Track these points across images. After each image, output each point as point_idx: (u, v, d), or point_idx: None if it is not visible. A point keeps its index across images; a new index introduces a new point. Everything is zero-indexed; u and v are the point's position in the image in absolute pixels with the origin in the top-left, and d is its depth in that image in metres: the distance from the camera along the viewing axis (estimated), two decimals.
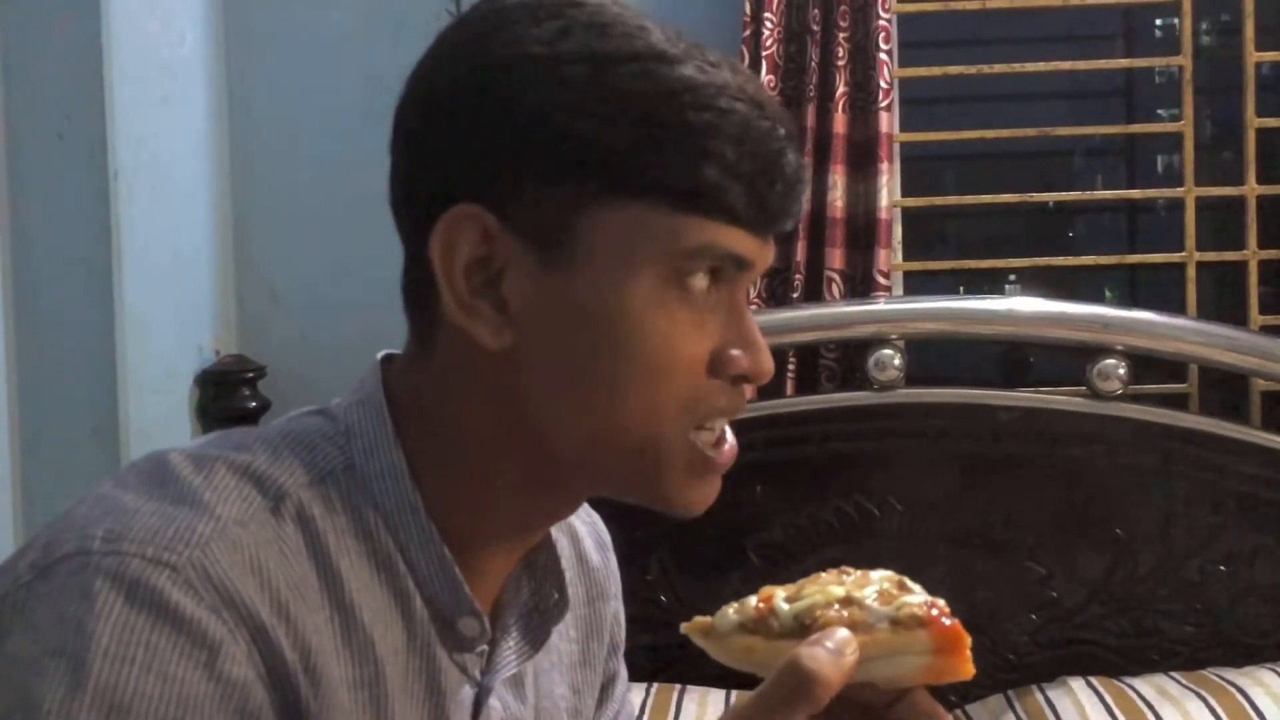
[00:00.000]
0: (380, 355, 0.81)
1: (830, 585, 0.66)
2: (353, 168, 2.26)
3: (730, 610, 0.68)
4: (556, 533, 0.86)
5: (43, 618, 0.67)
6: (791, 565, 2.02)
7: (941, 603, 0.66)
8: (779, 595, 0.67)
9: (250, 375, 2.18)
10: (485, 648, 0.81)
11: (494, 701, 0.83)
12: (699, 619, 0.70)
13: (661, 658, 1.92)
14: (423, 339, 0.78)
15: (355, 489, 0.76)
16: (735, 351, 0.76)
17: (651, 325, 0.73)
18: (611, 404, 0.74)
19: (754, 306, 2.04)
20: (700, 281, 0.74)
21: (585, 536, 0.96)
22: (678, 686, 1.90)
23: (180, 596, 0.67)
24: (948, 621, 0.64)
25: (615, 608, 0.98)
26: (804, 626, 0.64)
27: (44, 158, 1.96)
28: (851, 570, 0.71)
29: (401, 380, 0.79)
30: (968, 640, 0.64)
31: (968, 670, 0.64)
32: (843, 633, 0.65)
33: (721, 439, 0.78)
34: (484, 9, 0.77)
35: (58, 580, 0.68)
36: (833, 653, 0.64)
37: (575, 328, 0.74)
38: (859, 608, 0.65)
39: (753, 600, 0.67)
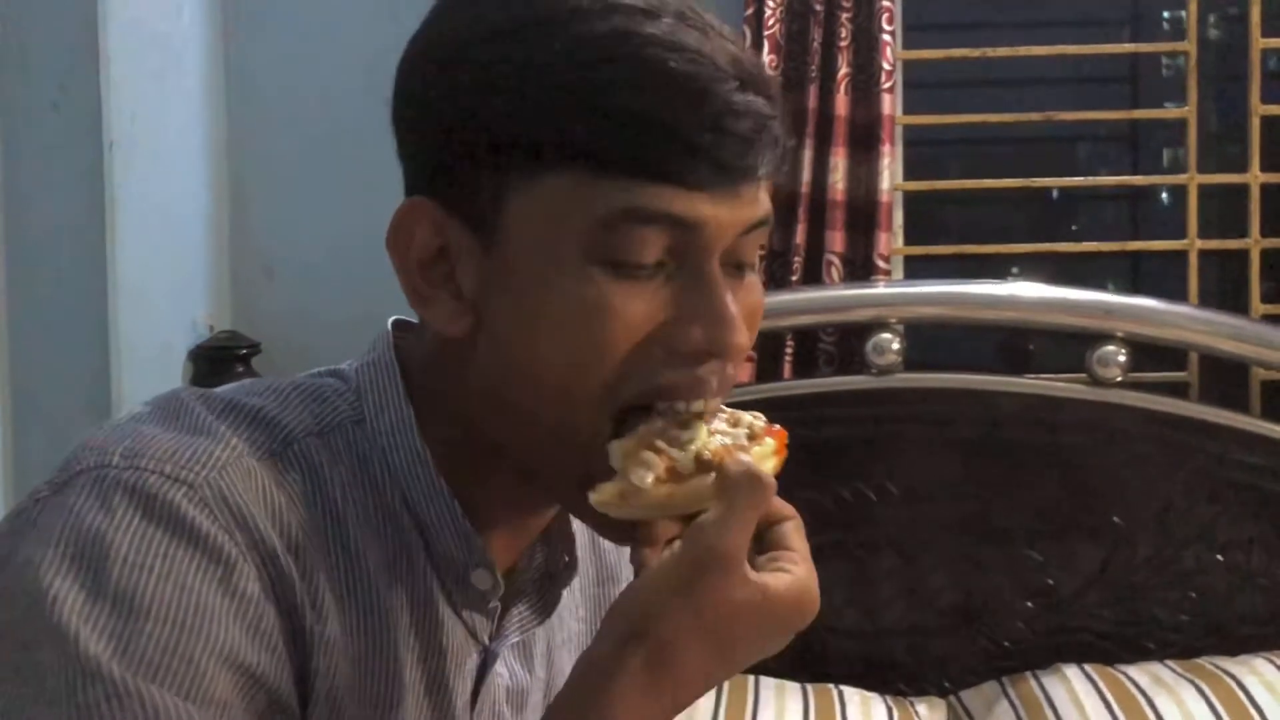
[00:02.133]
0: (391, 320, 0.81)
1: (699, 429, 0.73)
2: (350, 143, 2.24)
3: (636, 473, 0.70)
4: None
5: (60, 527, 0.68)
6: None
7: (762, 416, 0.76)
8: (664, 447, 0.72)
9: (244, 351, 2.17)
10: (497, 605, 0.80)
11: (500, 668, 0.82)
12: (605, 486, 0.71)
13: None
14: None
15: (363, 441, 0.76)
16: (690, 324, 0.71)
17: (576, 302, 0.70)
18: (535, 383, 0.72)
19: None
20: (639, 253, 0.70)
21: None
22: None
23: (196, 513, 0.68)
24: (775, 427, 0.75)
25: None
26: (704, 463, 0.71)
27: (38, 129, 1.95)
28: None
29: (412, 345, 0.79)
30: (786, 435, 0.76)
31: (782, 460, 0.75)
32: (741, 455, 0.72)
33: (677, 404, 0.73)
34: None
35: (75, 492, 0.69)
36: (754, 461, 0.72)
37: (512, 312, 0.72)
38: (723, 435, 0.74)
39: (643, 463, 0.71)
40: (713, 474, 0.71)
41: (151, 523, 0.68)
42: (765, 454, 0.74)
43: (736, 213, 0.72)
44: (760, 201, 0.73)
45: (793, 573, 0.72)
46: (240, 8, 2.29)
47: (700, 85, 0.69)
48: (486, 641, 0.81)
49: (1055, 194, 2.34)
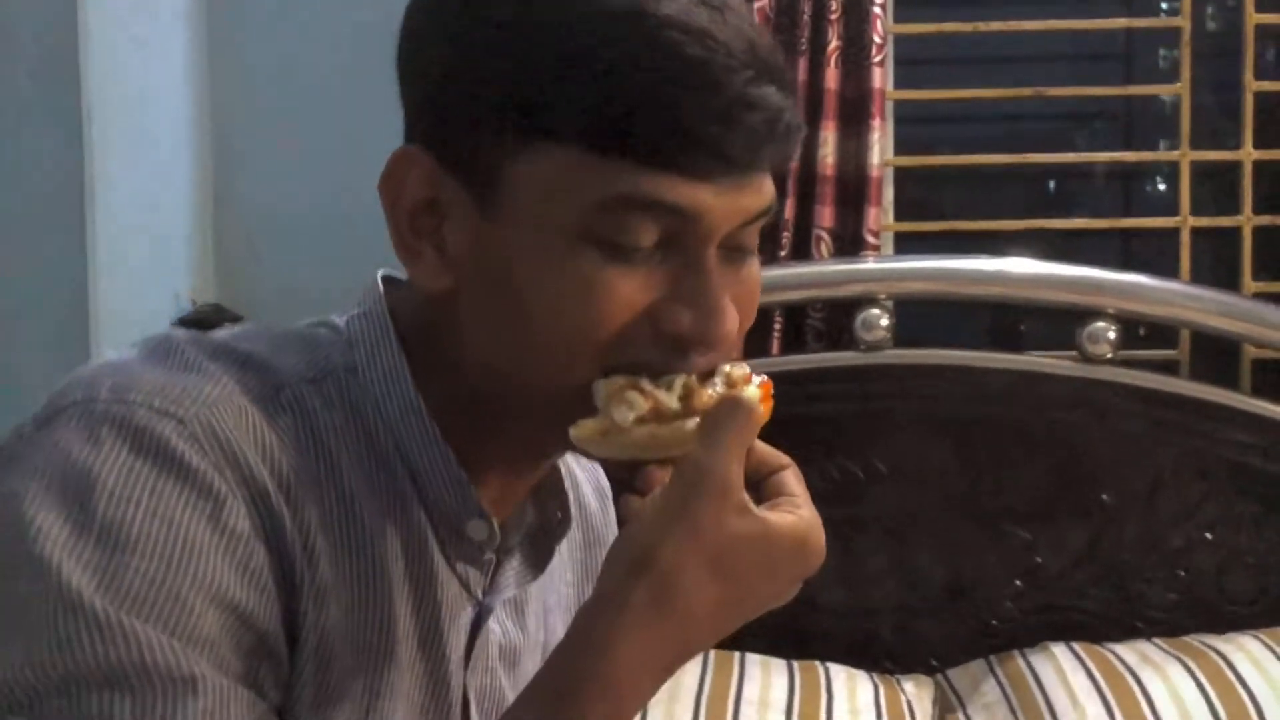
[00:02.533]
0: (380, 273, 0.80)
1: (680, 376, 0.73)
2: (336, 114, 2.23)
3: (619, 411, 0.70)
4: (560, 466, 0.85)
5: (46, 460, 0.67)
6: None
7: (744, 365, 0.75)
8: (648, 388, 0.71)
9: (227, 324, 2.14)
10: (492, 557, 0.79)
11: (493, 624, 0.81)
12: (585, 423, 0.71)
13: None
14: None
15: (356, 390, 0.76)
16: (680, 309, 0.70)
17: (567, 281, 0.69)
18: (521, 360, 0.72)
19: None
20: (634, 238, 0.69)
21: (584, 483, 0.94)
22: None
23: (186, 448, 0.67)
24: (761, 377, 0.75)
25: None
26: (688, 405, 0.71)
27: (15, 97, 1.92)
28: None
29: (402, 298, 0.78)
30: (771, 385, 0.75)
31: (768, 409, 0.74)
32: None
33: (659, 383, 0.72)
34: None
35: (61, 425, 0.68)
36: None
37: (499, 279, 0.71)
38: (708, 379, 0.73)
39: (626, 402, 0.70)
40: (696, 418, 0.71)
41: (139, 457, 0.66)
42: (750, 398, 0.73)
43: (739, 203, 0.71)
44: (764, 191, 0.72)
45: (795, 514, 0.71)
46: None
47: (713, 75, 0.67)
48: (480, 596, 0.80)
49: (1048, 176, 2.32)
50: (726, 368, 0.74)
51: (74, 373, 0.73)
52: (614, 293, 0.70)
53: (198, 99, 2.24)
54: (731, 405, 0.70)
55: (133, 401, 0.68)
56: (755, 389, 0.73)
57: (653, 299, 0.70)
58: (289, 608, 0.70)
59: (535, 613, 0.87)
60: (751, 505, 0.69)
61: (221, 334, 0.77)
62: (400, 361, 0.76)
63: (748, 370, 0.75)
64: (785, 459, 0.74)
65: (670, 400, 0.70)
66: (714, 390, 0.72)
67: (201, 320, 2.14)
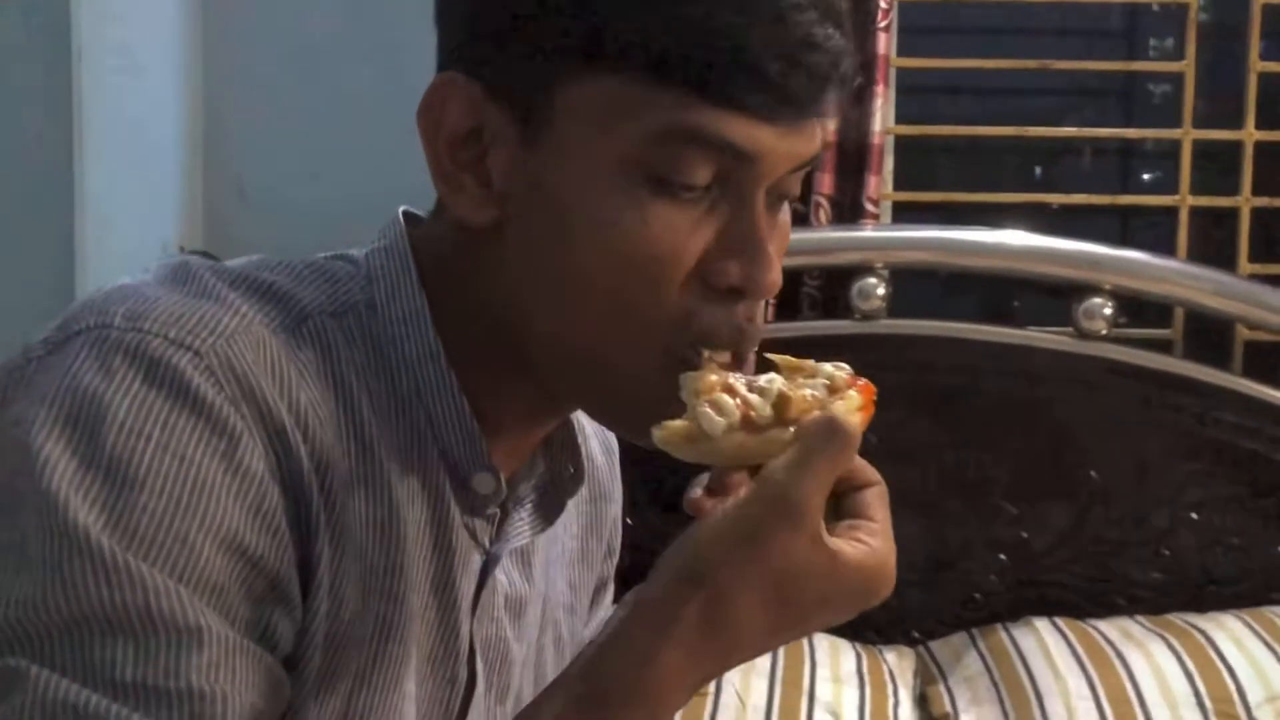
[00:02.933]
0: (401, 210, 0.78)
1: (774, 378, 0.69)
2: (331, 65, 2.20)
3: (708, 418, 0.65)
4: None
5: (56, 386, 0.64)
6: None
7: (845, 367, 0.71)
8: (741, 390, 0.66)
9: None
10: (496, 511, 0.77)
11: (500, 575, 0.80)
12: (671, 425, 0.66)
13: (627, 584, 1.89)
14: (440, 203, 0.76)
15: (377, 326, 0.73)
16: (728, 259, 0.68)
17: (619, 217, 0.67)
18: (571, 299, 0.69)
19: None
20: (689, 174, 0.67)
21: (592, 436, 0.92)
22: None
23: (201, 381, 0.65)
24: (861, 380, 0.70)
25: (615, 511, 0.95)
26: (781, 415, 0.66)
27: (2, 36, 1.88)
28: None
29: (423, 237, 0.76)
30: (874, 391, 0.70)
31: (868, 416, 0.70)
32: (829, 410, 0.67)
33: (715, 357, 0.70)
34: None
35: (73, 351, 0.65)
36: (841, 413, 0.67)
37: (546, 211, 0.69)
38: (804, 386, 0.68)
39: (717, 406, 0.66)
40: (791, 429, 0.66)
41: (153, 388, 0.64)
42: (849, 409, 0.68)
43: (795, 147, 0.69)
44: (816, 137, 0.70)
45: (870, 545, 0.68)
46: None
47: (781, 10, 0.65)
48: (488, 544, 0.78)
49: (1049, 150, 2.31)
50: (829, 368, 0.70)
51: (88, 295, 0.70)
52: (665, 229, 0.67)
53: (189, 43, 2.20)
54: (829, 429, 0.65)
55: (147, 330, 0.65)
56: (855, 395, 0.69)
57: (700, 246, 0.69)
58: (303, 550, 0.68)
59: (540, 563, 0.85)
60: (825, 535, 0.66)
61: (239, 262, 0.74)
62: (421, 302, 0.73)
63: (849, 373, 0.70)
64: (874, 475, 0.70)
65: (764, 408, 0.66)
66: (811, 395, 0.67)
67: None
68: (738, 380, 0.67)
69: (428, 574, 0.74)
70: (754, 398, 0.66)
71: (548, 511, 0.82)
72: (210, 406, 0.64)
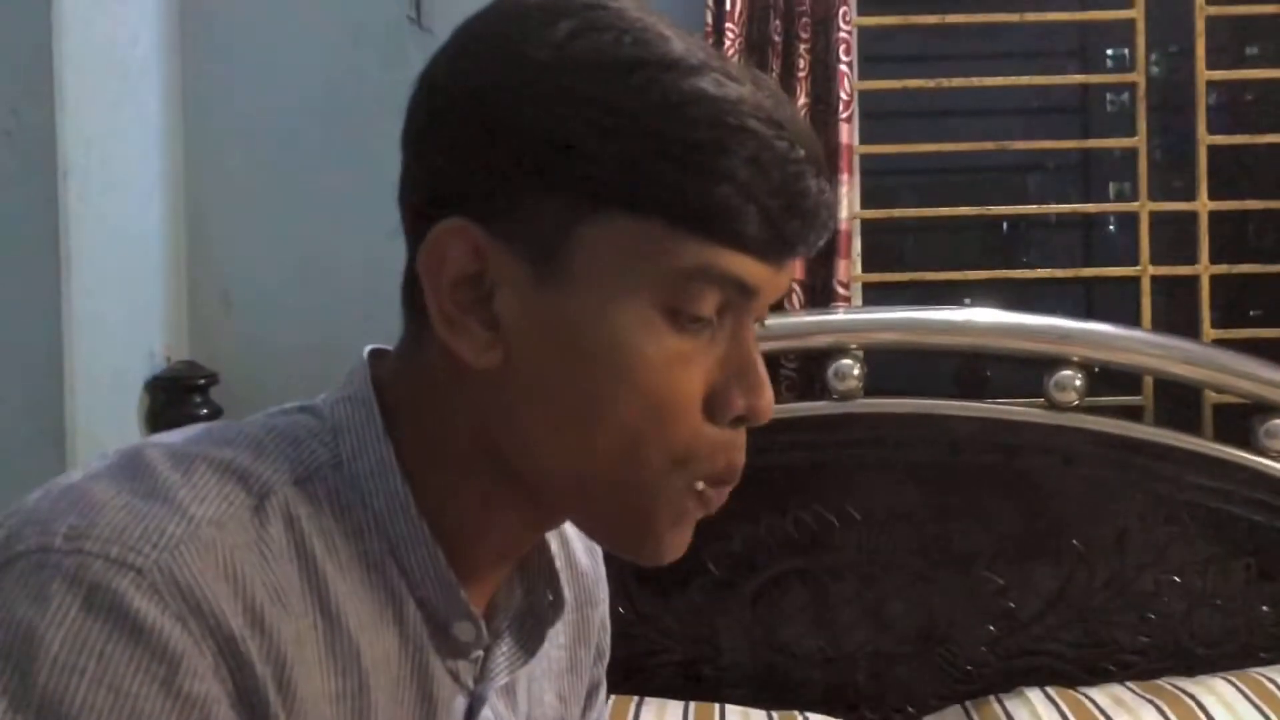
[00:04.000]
0: (367, 350, 0.78)
1: None
2: (309, 173, 2.25)
3: None
4: (548, 535, 0.84)
5: None
6: (750, 576, 2.02)
7: None
8: None
9: (202, 381, 2.14)
10: (480, 654, 0.78)
11: (487, 712, 0.80)
12: None
13: (620, 669, 1.90)
14: (415, 338, 0.76)
15: (344, 487, 0.73)
16: (732, 388, 0.72)
17: (641, 351, 0.70)
18: (590, 434, 0.71)
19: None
20: (701, 308, 0.70)
21: (574, 539, 0.93)
22: (635, 698, 1.88)
23: (143, 603, 0.63)
24: None
25: (603, 613, 0.96)
26: None
27: None
28: None
29: (392, 377, 0.76)
30: None
31: None
32: None
33: (709, 491, 0.74)
34: (502, 6, 0.73)
35: (13, 578, 0.64)
36: None
37: (563, 349, 0.70)
38: None
39: None
40: None
41: (90, 616, 0.62)
42: None
43: (783, 281, 0.74)
44: (795, 270, 0.75)
45: None
46: (198, 33, 2.27)
47: (792, 165, 0.70)
48: (471, 685, 0.78)
49: (1011, 224, 2.37)
50: None
51: (32, 504, 0.68)
52: (680, 361, 0.70)
53: (172, 157, 2.25)
54: None
55: (88, 551, 0.64)
56: None
57: (708, 377, 0.72)
58: None
59: (524, 685, 0.85)
60: None
61: (199, 438, 0.73)
62: (389, 454, 0.73)
63: None
64: None
65: None
66: None
67: (176, 378, 2.13)
68: None
69: None
70: None
71: (528, 643, 0.82)
72: (151, 630, 0.63)
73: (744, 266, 0.70)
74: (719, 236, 0.69)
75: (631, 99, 0.68)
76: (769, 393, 0.73)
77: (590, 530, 0.78)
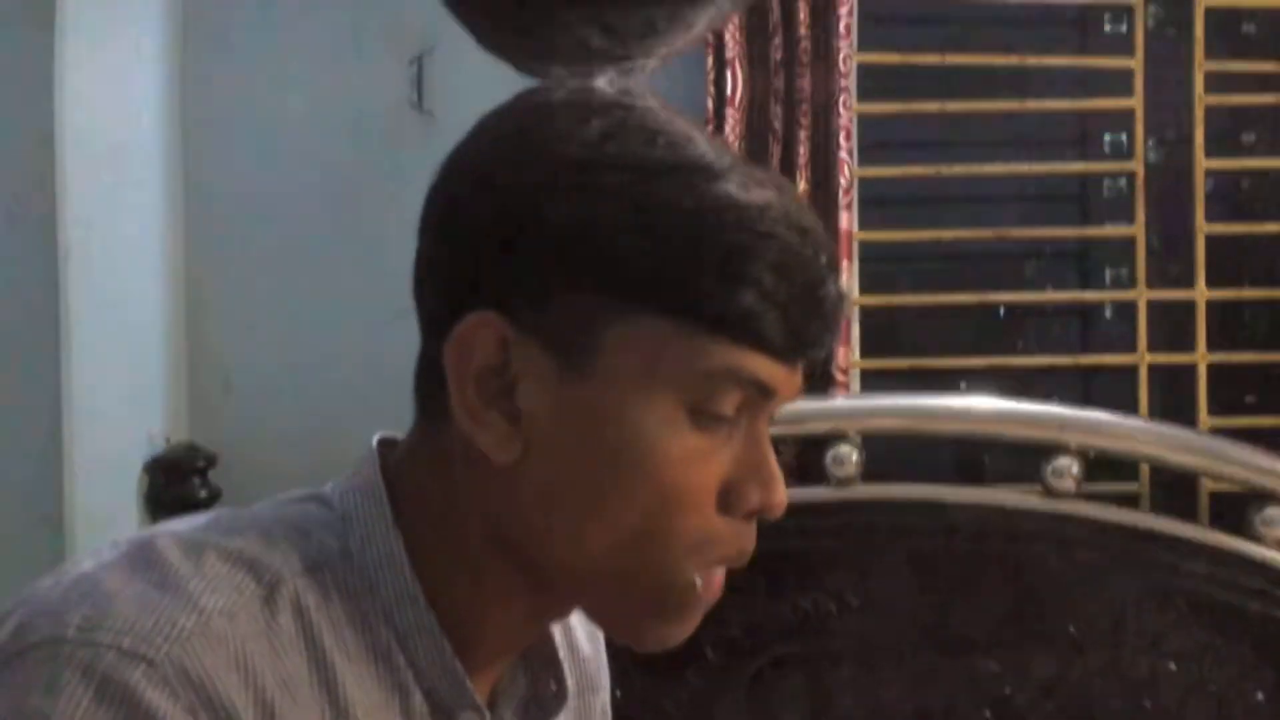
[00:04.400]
0: (376, 438, 0.79)
1: None
2: (310, 256, 2.26)
3: None
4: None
5: (5, 708, 0.64)
6: (748, 661, 2.02)
7: None
8: None
9: (201, 464, 2.14)
10: None
11: None
12: None
13: None
14: (428, 429, 0.76)
15: (353, 577, 0.73)
16: (748, 484, 0.73)
17: (663, 447, 0.71)
18: (606, 526, 0.72)
19: None
20: (723, 408, 0.72)
21: (577, 625, 0.92)
22: None
23: (155, 695, 0.64)
24: None
25: (604, 699, 0.95)
26: None
27: None
28: None
29: (402, 467, 0.76)
30: None
31: None
32: None
33: (711, 575, 0.75)
34: (529, 100, 0.75)
35: (26, 668, 0.65)
36: None
37: (585, 442, 0.71)
38: None
39: None
40: None
41: (103, 707, 0.63)
42: None
43: (798, 381, 0.75)
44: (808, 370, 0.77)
45: None
46: (200, 119, 2.29)
47: (814, 270, 0.72)
48: None
49: (1003, 310, 2.38)
50: None
51: (43, 593, 0.69)
52: (701, 458, 0.71)
53: (172, 241, 2.26)
54: None
55: (100, 643, 0.65)
56: None
57: (725, 473, 0.73)
58: None
59: None
60: None
61: (209, 528, 0.74)
62: (398, 545, 0.74)
63: None
64: None
65: None
66: None
67: (176, 460, 2.14)
68: None
69: None
70: None
71: None
72: None
73: (765, 368, 0.72)
74: (743, 339, 0.71)
75: (664, 202, 0.70)
76: (782, 488, 0.74)
77: (599, 618, 0.79)
